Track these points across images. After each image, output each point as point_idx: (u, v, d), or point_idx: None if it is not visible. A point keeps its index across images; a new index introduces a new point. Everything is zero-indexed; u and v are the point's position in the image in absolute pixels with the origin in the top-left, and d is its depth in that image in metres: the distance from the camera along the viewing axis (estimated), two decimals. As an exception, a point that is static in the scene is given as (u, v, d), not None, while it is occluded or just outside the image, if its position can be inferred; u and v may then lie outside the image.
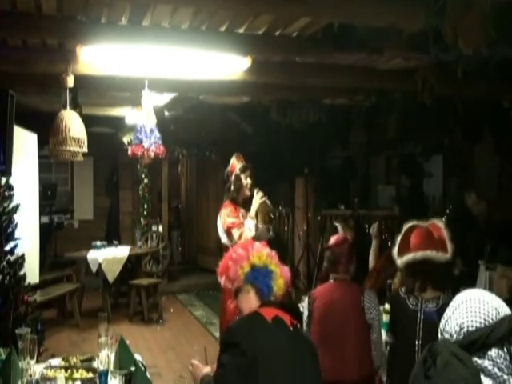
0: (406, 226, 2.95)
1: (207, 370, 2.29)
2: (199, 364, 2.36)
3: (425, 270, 2.81)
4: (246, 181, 4.46)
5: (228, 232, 4.29)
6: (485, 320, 1.49)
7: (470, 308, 1.51)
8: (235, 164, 4.53)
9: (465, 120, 5.99)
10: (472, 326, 1.49)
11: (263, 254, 2.28)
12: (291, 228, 8.58)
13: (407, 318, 2.83)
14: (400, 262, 2.84)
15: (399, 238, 2.91)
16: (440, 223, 2.96)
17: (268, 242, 2.89)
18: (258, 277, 2.24)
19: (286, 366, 2.08)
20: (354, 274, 3.28)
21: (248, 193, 4.46)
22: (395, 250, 2.88)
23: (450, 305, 1.57)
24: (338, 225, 5.18)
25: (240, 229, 4.27)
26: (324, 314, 3.18)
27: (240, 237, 4.19)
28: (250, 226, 4.28)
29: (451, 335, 1.51)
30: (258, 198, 4.38)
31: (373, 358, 3.15)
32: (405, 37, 3.47)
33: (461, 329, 1.49)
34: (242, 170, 4.48)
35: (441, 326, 1.56)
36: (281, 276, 2.26)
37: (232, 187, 4.48)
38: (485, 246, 5.24)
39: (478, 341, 1.46)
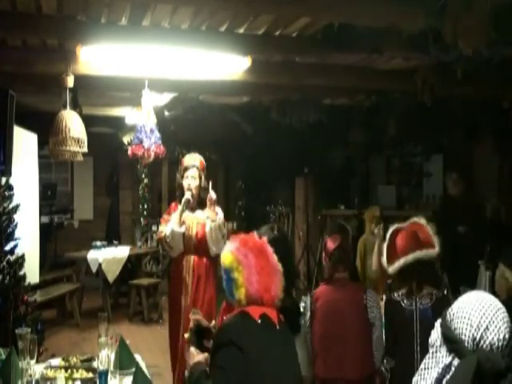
0: (389, 232, 2.97)
1: (200, 357, 2.25)
2: (194, 351, 2.33)
3: (418, 271, 2.84)
4: (186, 181, 4.20)
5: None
6: (511, 327, 1.52)
7: (506, 317, 1.53)
8: (182, 163, 4.35)
9: (465, 120, 6.00)
10: (510, 336, 1.51)
11: (229, 256, 2.17)
12: (291, 228, 8.57)
13: (404, 321, 2.85)
14: (392, 269, 2.86)
15: (386, 246, 2.93)
16: (421, 220, 2.98)
17: (272, 241, 2.89)
18: (223, 278, 2.19)
19: (275, 364, 2.07)
20: (352, 273, 3.31)
21: (188, 194, 4.18)
22: (384, 259, 2.89)
23: (481, 312, 1.54)
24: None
25: (164, 226, 4.24)
26: (326, 313, 3.18)
27: (159, 233, 4.26)
28: (170, 227, 4.19)
29: (492, 346, 1.50)
30: (184, 197, 4.18)
31: (374, 357, 3.16)
32: (405, 37, 3.47)
33: (504, 339, 1.50)
34: (182, 171, 4.27)
35: (474, 334, 1.53)
36: (242, 285, 2.11)
37: (177, 187, 4.38)
38: (485, 246, 5.23)
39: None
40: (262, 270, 2.13)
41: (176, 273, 4.36)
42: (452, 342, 1.54)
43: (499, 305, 1.55)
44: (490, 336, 1.49)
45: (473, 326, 1.51)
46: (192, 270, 4.27)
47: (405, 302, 2.86)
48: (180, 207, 4.18)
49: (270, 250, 2.23)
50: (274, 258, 2.21)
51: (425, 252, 2.82)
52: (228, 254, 2.18)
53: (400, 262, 2.83)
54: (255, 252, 2.17)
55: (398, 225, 3.00)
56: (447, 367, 1.55)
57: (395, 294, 2.93)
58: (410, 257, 2.82)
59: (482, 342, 1.49)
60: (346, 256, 3.28)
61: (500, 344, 1.49)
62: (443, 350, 1.57)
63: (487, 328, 1.50)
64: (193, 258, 4.28)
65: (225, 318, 2.32)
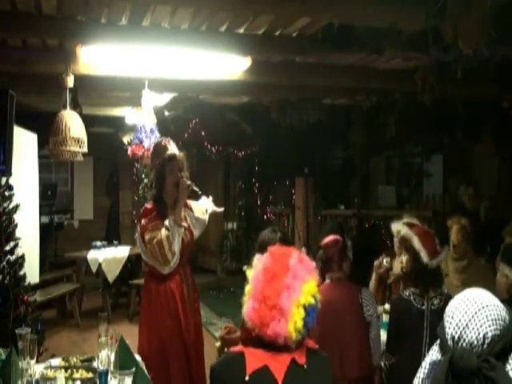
0: (420, 227, 3.00)
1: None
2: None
3: (439, 272, 2.96)
4: (173, 176, 3.27)
5: (142, 237, 3.26)
6: (502, 326, 1.49)
7: (491, 316, 1.49)
8: (158, 152, 3.45)
9: (465, 120, 5.99)
10: (496, 335, 1.48)
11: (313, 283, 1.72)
12: (291, 228, 8.57)
13: (414, 320, 2.84)
14: (435, 262, 2.89)
15: (424, 241, 2.92)
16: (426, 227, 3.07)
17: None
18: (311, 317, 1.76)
19: None
20: (350, 273, 3.29)
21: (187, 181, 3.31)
22: (424, 253, 2.89)
23: (463, 310, 1.51)
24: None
25: (154, 231, 3.20)
26: (322, 314, 3.16)
27: (151, 241, 3.18)
28: (167, 224, 3.20)
29: (471, 344, 1.47)
30: (182, 188, 3.26)
31: (372, 356, 3.16)
32: (405, 37, 3.47)
33: (485, 338, 1.47)
34: (167, 161, 3.30)
35: (452, 332, 1.52)
36: (245, 303, 1.77)
37: (153, 184, 3.41)
38: (485, 245, 5.23)
39: (504, 349, 1.47)
40: (265, 296, 1.67)
41: (167, 292, 3.42)
42: (440, 340, 1.55)
43: (486, 302, 1.52)
44: (470, 334, 1.47)
45: (452, 323, 1.51)
46: (192, 285, 3.56)
47: (416, 300, 2.87)
48: (181, 196, 3.23)
49: (298, 265, 1.75)
50: (304, 277, 1.75)
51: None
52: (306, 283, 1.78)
53: (439, 258, 2.90)
54: (272, 257, 1.76)
55: (408, 220, 3.07)
56: (435, 364, 1.56)
57: (406, 293, 2.93)
58: (442, 255, 2.92)
59: (461, 340, 1.48)
60: (341, 256, 3.29)
61: (479, 343, 1.47)
62: (437, 347, 1.59)
63: (467, 326, 1.48)
64: (189, 270, 3.60)
65: (228, 350, 2.05)
